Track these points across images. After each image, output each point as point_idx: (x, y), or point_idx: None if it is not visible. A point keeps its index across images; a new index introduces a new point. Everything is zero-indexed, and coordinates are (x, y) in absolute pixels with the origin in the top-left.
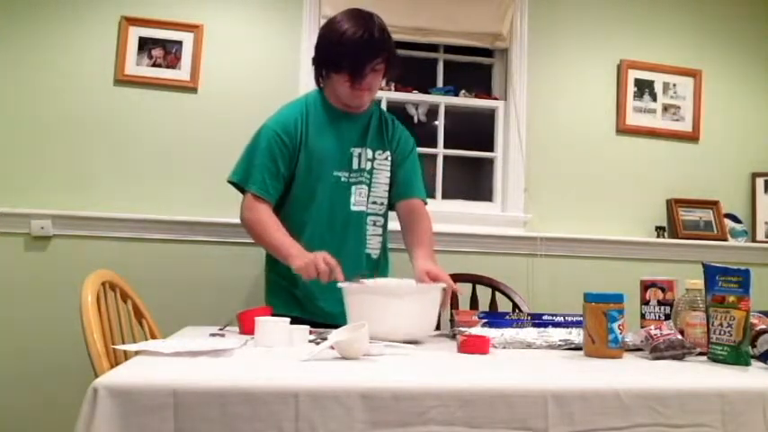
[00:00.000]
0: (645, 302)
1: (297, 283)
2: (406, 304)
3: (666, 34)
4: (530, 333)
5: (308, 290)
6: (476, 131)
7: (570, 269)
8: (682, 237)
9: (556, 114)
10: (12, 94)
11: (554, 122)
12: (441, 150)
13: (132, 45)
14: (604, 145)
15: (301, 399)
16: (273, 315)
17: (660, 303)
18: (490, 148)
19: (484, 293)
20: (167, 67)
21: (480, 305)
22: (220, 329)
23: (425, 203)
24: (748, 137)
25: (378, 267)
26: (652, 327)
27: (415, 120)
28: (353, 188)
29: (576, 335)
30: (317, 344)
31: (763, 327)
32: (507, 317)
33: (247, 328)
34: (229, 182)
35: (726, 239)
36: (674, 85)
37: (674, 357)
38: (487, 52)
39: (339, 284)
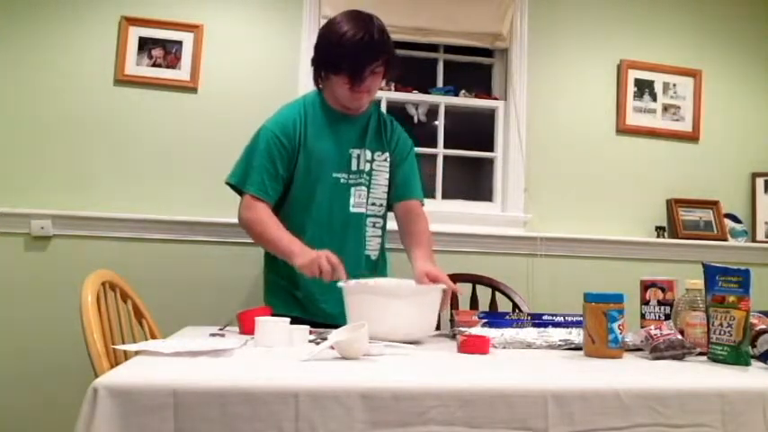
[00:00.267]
0: (645, 302)
1: (296, 283)
2: (407, 305)
3: (666, 34)
4: (530, 333)
5: (308, 290)
6: (476, 131)
7: (570, 269)
8: (682, 237)
9: (556, 114)
10: (12, 94)
11: (554, 122)
12: (441, 150)
13: (132, 45)
14: (604, 145)
15: (301, 399)
16: (273, 315)
17: (660, 303)
18: (490, 148)
19: (484, 293)
20: (167, 67)
21: (480, 305)
22: (220, 329)
23: (423, 204)
24: (748, 137)
25: (376, 268)
26: (652, 327)
27: (415, 120)
28: (353, 189)
29: (576, 335)
30: (317, 344)
31: (763, 327)
32: (507, 317)
33: (247, 328)
34: (228, 184)
35: (726, 239)
36: (674, 85)
37: (674, 357)
38: (487, 52)
39: (339, 284)
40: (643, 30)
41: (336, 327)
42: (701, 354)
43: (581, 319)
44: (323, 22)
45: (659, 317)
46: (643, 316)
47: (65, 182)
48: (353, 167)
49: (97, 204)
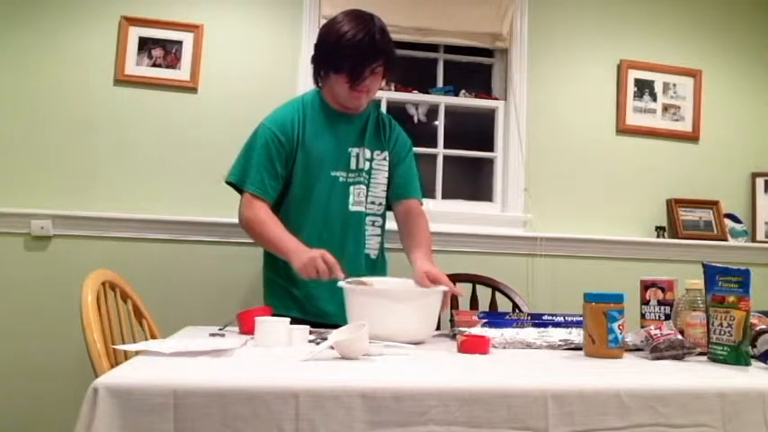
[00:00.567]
0: (645, 302)
1: (296, 282)
2: (408, 309)
3: (666, 34)
4: (530, 333)
5: (307, 289)
6: (476, 131)
7: (570, 269)
8: (682, 237)
9: (556, 114)
10: (12, 93)
11: (554, 122)
12: (441, 150)
13: (132, 45)
14: (604, 145)
15: (302, 399)
16: (273, 315)
17: (660, 303)
18: (490, 148)
19: (484, 293)
20: (167, 67)
21: (480, 305)
22: (220, 329)
23: (422, 203)
24: (748, 137)
25: (376, 268)
26: (652, 327)
27: (415, 120)
28: (351, 188)
29: (576, 335)
30: (317, 344)
31: (763, 327)
32: (507, 317)
33: (247, 328)
34: (227, 182)
35: (726, 239)
36: (674, 85)
37: (674, 357)
38: (487, 52)
39: (340, 284)
40: (643, 30)
41: (336, 327)
42: (701, 354)
43: (581, 319)
44: (323, 21)
45: (659, 317)
46: (643, 316)
47: (65, 182)
48: (352, 166)
49: (97, 204)
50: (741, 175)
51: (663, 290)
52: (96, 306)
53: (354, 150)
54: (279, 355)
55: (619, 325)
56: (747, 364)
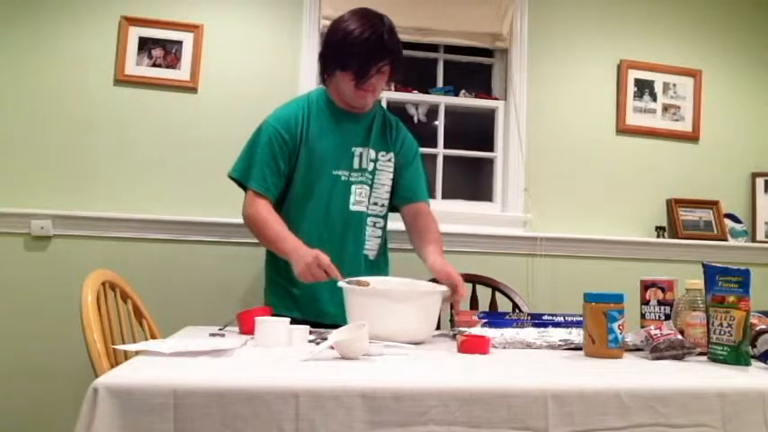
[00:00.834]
0: (645, 302)
1: (296, 283)
2: (408, 308)
3: (666, 34)
4: (530, 333)
5: (307, 289)
6: (476, 131)
7: (570, 269)
8: (682, 237)
9: (556, 114)
10: (12, 93)
11: (554, 122)
12: (441, 150)
13: (132, 45)
14: (604, 145)
15: (302, 399)
16: (273, 315)
17: (660, 303)
18: (490, 148)
19: (484, 293)
20: (167, 67)
21: (480, 305)
22: (220, 329)
23: (429, 205)
24: (748, 137)
25: (375, 268)
26: (652, 327)
27: (415, 120)
28: (353, 187)
29: (576, 335)
30: (317, 344)
31: (763, 327)
32: (507, 317)
33: (247, 328)
34: (230, 177)
35: (726, 239)
36: (674, 85)
37: (674, 357)
38: (487, 52)
39: (340, 284)
40: (643, 30)
41: (336, 326)
42: (701, 354)
43: (581, 319)
44: (323, 22)
45: (659, 317)
46: (643, 316)
47: (65, 182)
48: (356, 166)
49: (97, 204)
50: (741, 175)
51: (663, 290)
52: (96, 306)
53: (358, 150)
54: (279, 355)
55: (619, 325)
56: (747, 364)
